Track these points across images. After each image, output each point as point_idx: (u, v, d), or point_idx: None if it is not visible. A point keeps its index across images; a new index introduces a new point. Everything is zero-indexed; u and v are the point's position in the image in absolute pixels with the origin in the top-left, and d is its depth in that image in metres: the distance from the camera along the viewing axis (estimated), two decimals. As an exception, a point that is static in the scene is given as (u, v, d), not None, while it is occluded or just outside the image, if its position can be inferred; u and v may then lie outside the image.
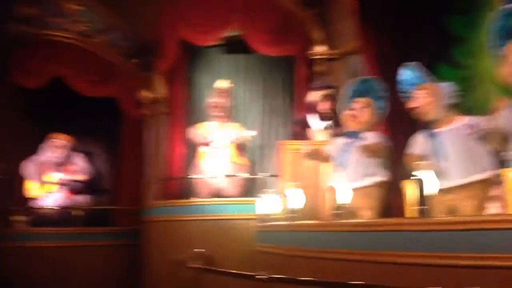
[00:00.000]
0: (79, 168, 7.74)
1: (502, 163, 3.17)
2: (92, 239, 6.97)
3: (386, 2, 5.11)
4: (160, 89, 7.73)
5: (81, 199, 7.57)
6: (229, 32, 7.03)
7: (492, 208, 3.63)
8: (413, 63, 3.68)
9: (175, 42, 7.11)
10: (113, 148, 8.16)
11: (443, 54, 4.97)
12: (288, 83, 7.30)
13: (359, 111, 4.04)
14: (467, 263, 2.11)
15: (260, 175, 6.77)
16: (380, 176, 3.83)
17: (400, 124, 4.97)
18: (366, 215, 3.72)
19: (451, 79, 4.60)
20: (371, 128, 4.09)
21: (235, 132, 6.80)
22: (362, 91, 4.15)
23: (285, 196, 4.11)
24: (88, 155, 8.33)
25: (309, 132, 5.55)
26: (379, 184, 3.82)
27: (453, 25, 5.06)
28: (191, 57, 7.72)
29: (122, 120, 7.96)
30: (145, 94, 7.78)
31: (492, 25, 2.93)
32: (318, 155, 4.18)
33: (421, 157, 3.43)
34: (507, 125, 2.90)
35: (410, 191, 3.50)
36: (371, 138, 3.95)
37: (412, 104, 3.58)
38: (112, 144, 8.16)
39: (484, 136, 3.09)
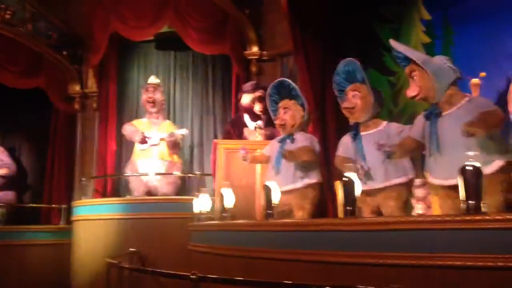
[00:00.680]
0: (2, 163, 7.42)
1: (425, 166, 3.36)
2: (23, 237, 6.73)
3: (318, 7, 5.24)
4: (90, 84, 7.54)
5: (3, 195, 7.27)
6: (164, 28, 6.96)
7: (418, 209, 3.86)
8: (350, 59, 3.69)
9: (106, 35, 6.95)
10: (41, 143, 7.85)
11: (373, 60, 5.18)
12: (224, 82, 7.33)
13: (284, 116, 4.08)
14: (391, 262, 2.21)
15: (194, 174, 6.76)
16: (312, 178, 3.91)
17: (332, 124, 5.14)
18: (299, 215, 3.81)
19: (380, 84, 4.82)
20: (302, 128, 4.14)
21: (167, 130, 6.73)
22: (280, 94, 4.19)
23: (219, 195, 4.12)
24: (13, 149, 7.99)
25: (245, 132, 5.61)
26: (312, 186, 3.90)
27: (383, 33, 5.30)
28: (123, 52, 7.58)
29: (52, 115, 7.68)
30: (75, 88, 7.55)
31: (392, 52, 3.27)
32: (257, 160, 4.22)
33: (347, 159, 3.55)
34: (416, 134, 3.14)
35: (341, 191, 3.61)
36: (300, 141, 4.01)
37: (344, 103, 3.65)
38: (40, 139, 7.86)
39: (390, 153, 3.25)
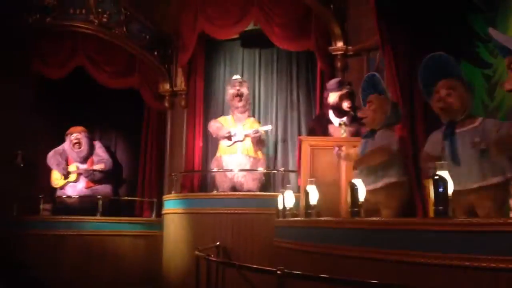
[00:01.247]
0: (100, 158, 7.90)
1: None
2: (116, 228, 7.13)
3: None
4: (179, 82, 7.80)
5: (102, 188, 7.76)
6: (249, 26, 7.05)
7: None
8: (440, 53, 3.50)
9: (194, 35, 7.14)
10: (135, 140, 8.27)
11: (466, 52, 4.90)
12: (308, 78, 7.30)
13: (367, 110, 3.99)
14: (486, 266, 2.10)
15: (278, 170, 6.79)
16: (390, 177, 3.80)
17: (421, 121, 4.94)
18: (385, 214, 3.73)
19: (474, 77, 4.55)
20: (387, 123, 4.03)
21: (251, 126, 6.83)
22: (370, 88, 4.09)
23: (304, 192, 4.13)
24: (110, 146, 8.49)
25: (329, 129, 5.57)
26: (394, 184, 3.80)
27: (476, 23, 5.00)
28: (210, 50, 7.77)
29: (144, 113, 8.06)
30: (165, 87, 7.86)
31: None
32: (351, 157, 4.17)
33: (437, 157, 3.38)
34: None
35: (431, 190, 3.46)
36: (379, 139, 3.91)
37: (438, 103, 3.45)
38: (134, 136, 8.28)
39: (488, 149, 3.03)
